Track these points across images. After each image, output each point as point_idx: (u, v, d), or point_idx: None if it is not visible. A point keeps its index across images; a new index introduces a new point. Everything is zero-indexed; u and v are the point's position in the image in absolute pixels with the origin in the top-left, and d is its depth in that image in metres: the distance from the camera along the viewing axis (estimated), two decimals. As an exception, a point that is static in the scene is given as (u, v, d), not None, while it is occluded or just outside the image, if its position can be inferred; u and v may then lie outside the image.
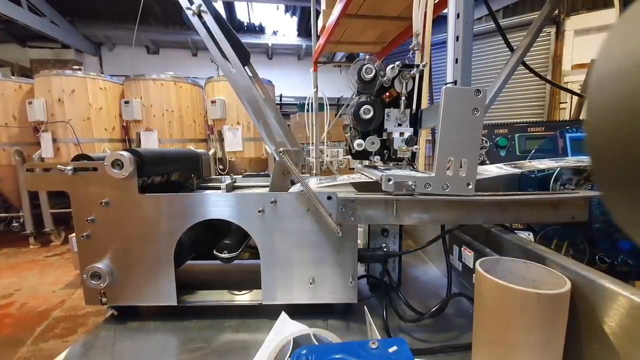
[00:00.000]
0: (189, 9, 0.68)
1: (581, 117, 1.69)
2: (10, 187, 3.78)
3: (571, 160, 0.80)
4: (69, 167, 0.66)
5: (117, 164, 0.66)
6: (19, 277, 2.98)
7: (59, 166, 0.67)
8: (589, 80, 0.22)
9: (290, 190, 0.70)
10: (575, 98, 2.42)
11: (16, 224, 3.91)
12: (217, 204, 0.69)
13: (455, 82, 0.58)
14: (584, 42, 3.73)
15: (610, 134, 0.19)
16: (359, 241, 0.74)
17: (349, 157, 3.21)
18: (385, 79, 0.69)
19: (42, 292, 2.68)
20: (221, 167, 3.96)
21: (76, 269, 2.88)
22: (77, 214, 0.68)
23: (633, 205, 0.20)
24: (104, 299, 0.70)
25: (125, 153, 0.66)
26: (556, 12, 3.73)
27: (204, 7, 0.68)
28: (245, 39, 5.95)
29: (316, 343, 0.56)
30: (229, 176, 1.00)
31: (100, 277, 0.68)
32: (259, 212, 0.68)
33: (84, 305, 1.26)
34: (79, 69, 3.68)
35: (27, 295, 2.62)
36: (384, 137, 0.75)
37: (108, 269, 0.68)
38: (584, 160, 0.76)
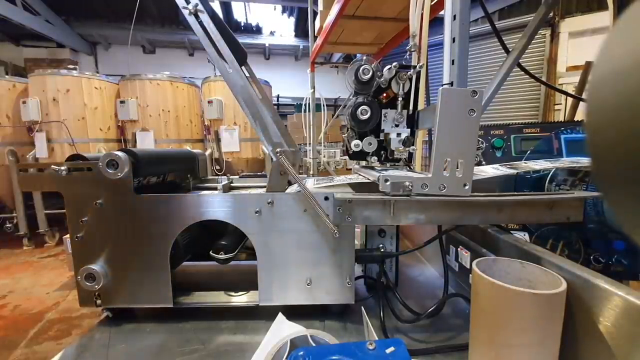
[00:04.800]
0: (185, 8, 0.68)
1: (576, 118, 1.70)
2: (3, 188, 3.73)
3: (566, 161, 0.80)
4: (63, 168, 0.66)
5: (112, 164, 0.66)
6: (13, 279, 2.94)
7: (53, 166, 0.66)
8: (589, 79, 0.22)
9: (288, 190, 0.70)
10: (570, 99, 2.44)
11: (9, 225, 3.86)
12: (213, 205, 0.68)
13: (451, 83, 0.58)
14: (578, 44, 3.77)
15: (611, 133, 0.19)
16: (356, 242, 0.74)
17: (346, 157, 3.21)
18: (382, 79, 0.69)
19: (35, 293, 2.65)
20: (218, 167, 3.95)
21: (70, 271, 2.85)
22: (71, 214, 0.67)
23: (634, 206, 0.20)
24: (98, 301, 0.70)
25: (120, 153, 0.66)
26: (551, 14, 3.76)
27: (200, 7, 0.68)
28: (243, 39, 5.93)
29: (313, 344, 0.56)
30: (225, 177, 0.99)
31: (94, 279, 0.67)
32: (256, 212, 0.68)
33: (78, 307, 1.24)
34: (74, 69, 3.64)
35: (21, 297, 2.59)
36: (381, 138, 0.75)
37: (103, 270, 0.68)
38: (579, 161, 0.77)
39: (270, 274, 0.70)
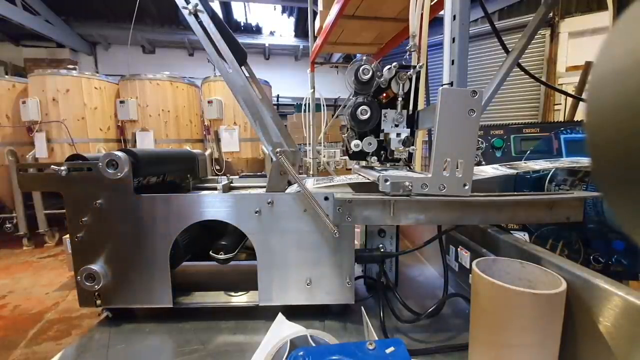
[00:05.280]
0: (185, 8, 0.68)
1: (576, 118, 1.71)
2: (3, 188, 3.73)
3: (566, 161, 0.80)
4: (62, 168, 0.66)
5: (112, 164, 0.66)
6: (12, 279, 2.94)
7: (52, 166, 0.66)
8: (588, 79, 0.22)
9: (287, 190, 0.70)
10: (569, 99, 2.44)
11: (9, 225, 3.86)
12: (213, 205, 0.68)
13: (451, 83, 0.58)
14: (578, 44, 3.77)
15: (611, 133, 0.19)
16: (356, 242, 0.74)
17: (346, 157, 3.21)
18: (382, 80, 0.69)
19: (35, 294, 2.65)
20: (218, 167, 3.95)
21: (70, 271, 2.85)
22: (71, 214, 0.67)
23: (634, 206, 0.20)
24: (98, 301, 0.70)
25: (120, 153, 0.66)
26: (551, 14, 3.77)
27: (200, 7, 0.68)
28: (242, 39, 5.93)
29: (313, 344, 0.56)
30: (225, 177, 0.99)
31: (94, 279, 0.67)
32: (256, 213, 0.68)
33: (78, 307, 1.24)
34: (74, 69, 3.64)
35: (21, 297, 2.59)
36: (381, 138, 0.75)
37: (103, 270, 0.68)
38: (579, 161, 0.77)
39: (270, 274, 0.70)
